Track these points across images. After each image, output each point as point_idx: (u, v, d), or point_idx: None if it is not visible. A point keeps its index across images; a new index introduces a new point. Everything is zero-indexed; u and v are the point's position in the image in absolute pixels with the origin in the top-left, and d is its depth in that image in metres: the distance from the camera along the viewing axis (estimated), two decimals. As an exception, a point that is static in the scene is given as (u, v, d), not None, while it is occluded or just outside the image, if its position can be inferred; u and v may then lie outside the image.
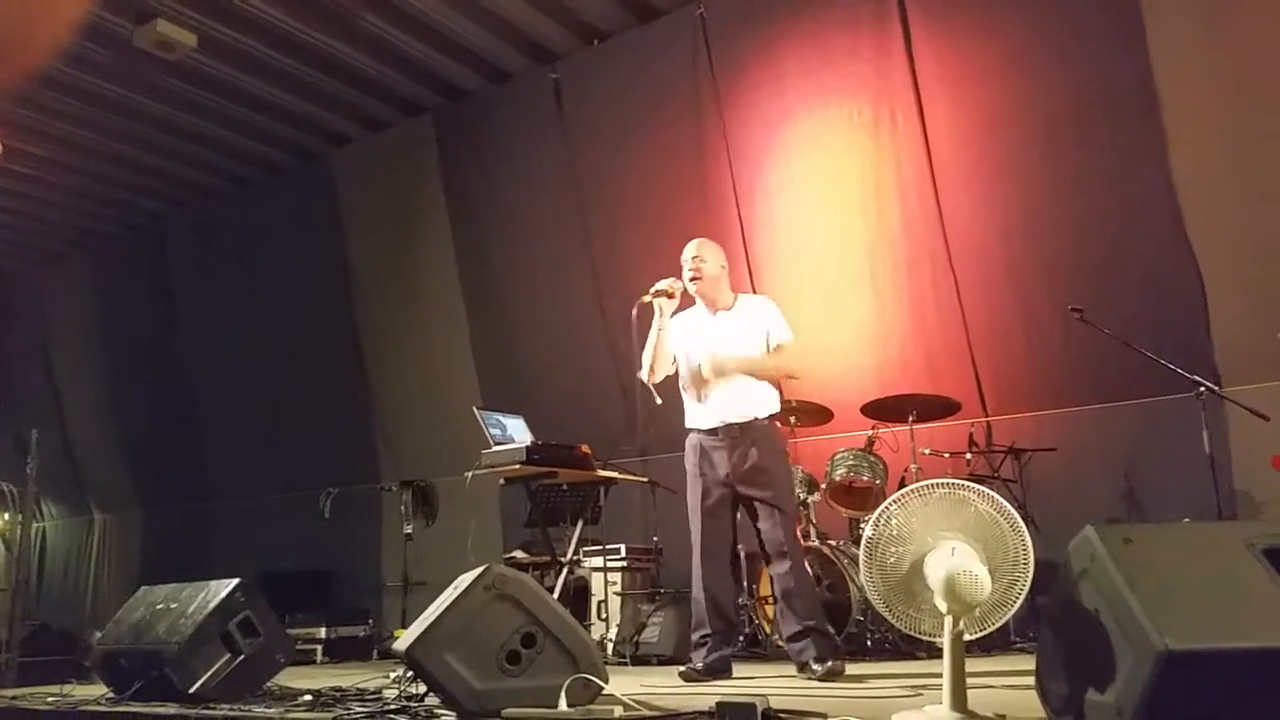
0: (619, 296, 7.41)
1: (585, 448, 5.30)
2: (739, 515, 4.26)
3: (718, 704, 2.42)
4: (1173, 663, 1.71)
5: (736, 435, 4.15)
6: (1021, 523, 2.28)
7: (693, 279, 4.28)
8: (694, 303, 4.40)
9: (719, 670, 4.03)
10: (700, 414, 4.27)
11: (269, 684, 3.72)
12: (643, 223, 7.22)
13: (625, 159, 7.28)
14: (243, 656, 3.57)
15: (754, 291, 6.75)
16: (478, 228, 8.08)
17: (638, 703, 2.72)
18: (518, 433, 5.44)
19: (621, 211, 7.35)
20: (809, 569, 4.37)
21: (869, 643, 4.97)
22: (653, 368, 4.27)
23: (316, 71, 7.64)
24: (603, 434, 6.14)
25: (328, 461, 8.56)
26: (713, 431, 4.21)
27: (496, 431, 5.30)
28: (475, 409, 5.46)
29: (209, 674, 3.48)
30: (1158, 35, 5.54)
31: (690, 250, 4.35)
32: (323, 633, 7.22)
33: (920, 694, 3.03)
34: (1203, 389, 4.84)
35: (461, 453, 5.47)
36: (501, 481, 5.37)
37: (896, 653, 4.85)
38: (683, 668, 4.08)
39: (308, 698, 3.44)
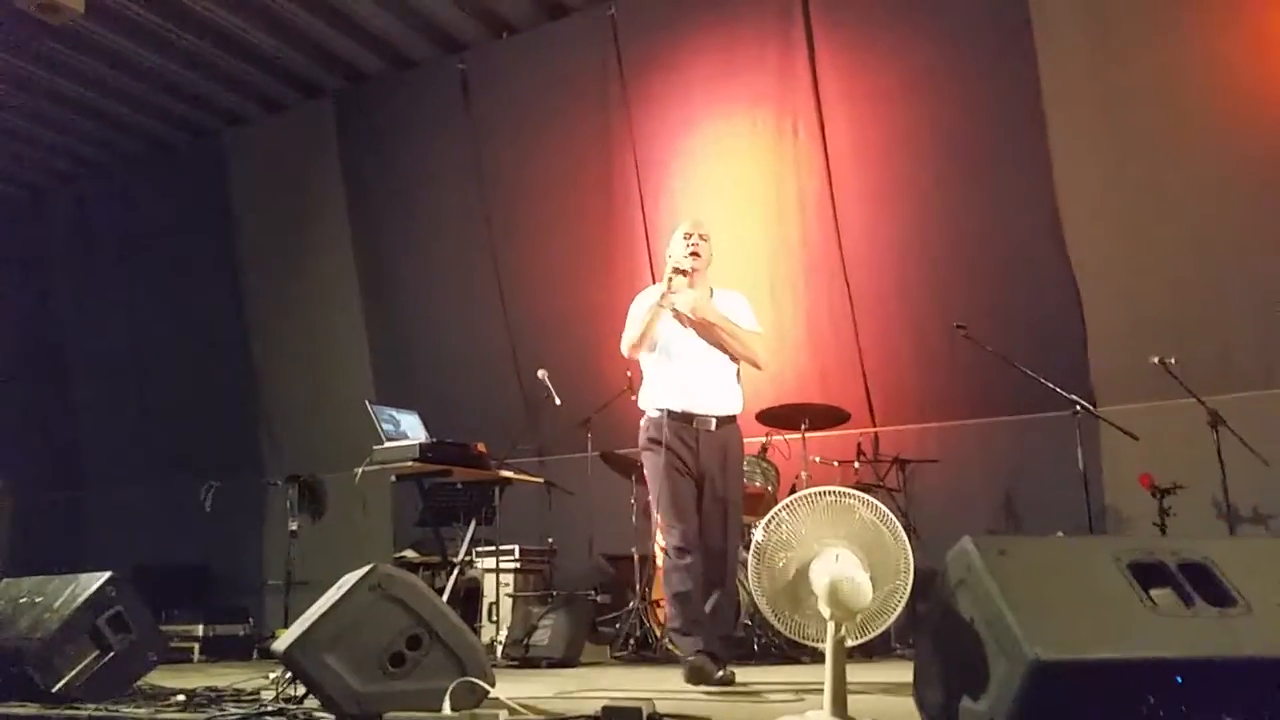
0: (521, 294, 7.38)
1: (482, 446, 5.25)
2: (634, 519, 4.21)
3: (603, 708, 2.42)
4: (1042, 672, 1.77)
5: (710, 429, 3.88)
6: (903, 532, 2.34)
7: (693, 254, 3.95)
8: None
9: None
10: (667, 396, 3.92)
11: (140, 683, 3.57)
12: (547, 220, 7.21)
13: (531, 155, 7.25)
14: (112, 654, 3.42)
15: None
16: (377, 217, 7.92)
17: (524, 707, 2.70)
18: (412, 429, 5.34)
19: (526, 208, 7.31)
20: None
21: (756, 647, 5.04)
22: (640, 344, 3.93)
23: (213, 47, 7.38)
24: (501, 433, 6.10)
25: (210, 453, 8.29)
26: (685, 418, 3.88)
27: (390, 427, 5.20)
28: (368, 403, 5.35)
29: (74, 672, 3.32)
30: (1049, 67, 5.81)
31: (696, 227, 4.06)
32: (200, 630, 6.96)
33: (803, 699, 3.09)
34: (1078, 408, 5.07)
35: (353, 448, 5.35)
36: (393, 479, 5.28)
37: (783, 657, 4.93)
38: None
39: (180, 698, 3.31)
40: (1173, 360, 5.00)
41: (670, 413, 3.89)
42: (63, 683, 3.28)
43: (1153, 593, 1.94)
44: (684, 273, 3.84)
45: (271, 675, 3.71)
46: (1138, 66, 5.70)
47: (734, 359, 4.00)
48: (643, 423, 4.00)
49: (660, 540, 4.41)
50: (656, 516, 4.23)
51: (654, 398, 3.97)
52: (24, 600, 3.62)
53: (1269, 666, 1.87)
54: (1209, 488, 5.03)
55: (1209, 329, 5.50)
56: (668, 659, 5.10)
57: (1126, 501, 5.58)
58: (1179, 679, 1.82)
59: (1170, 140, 5.63)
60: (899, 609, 2.29)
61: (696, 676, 3.60)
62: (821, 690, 2.34)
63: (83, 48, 7.29)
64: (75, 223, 9.53)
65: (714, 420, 3.89)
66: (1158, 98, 5.66)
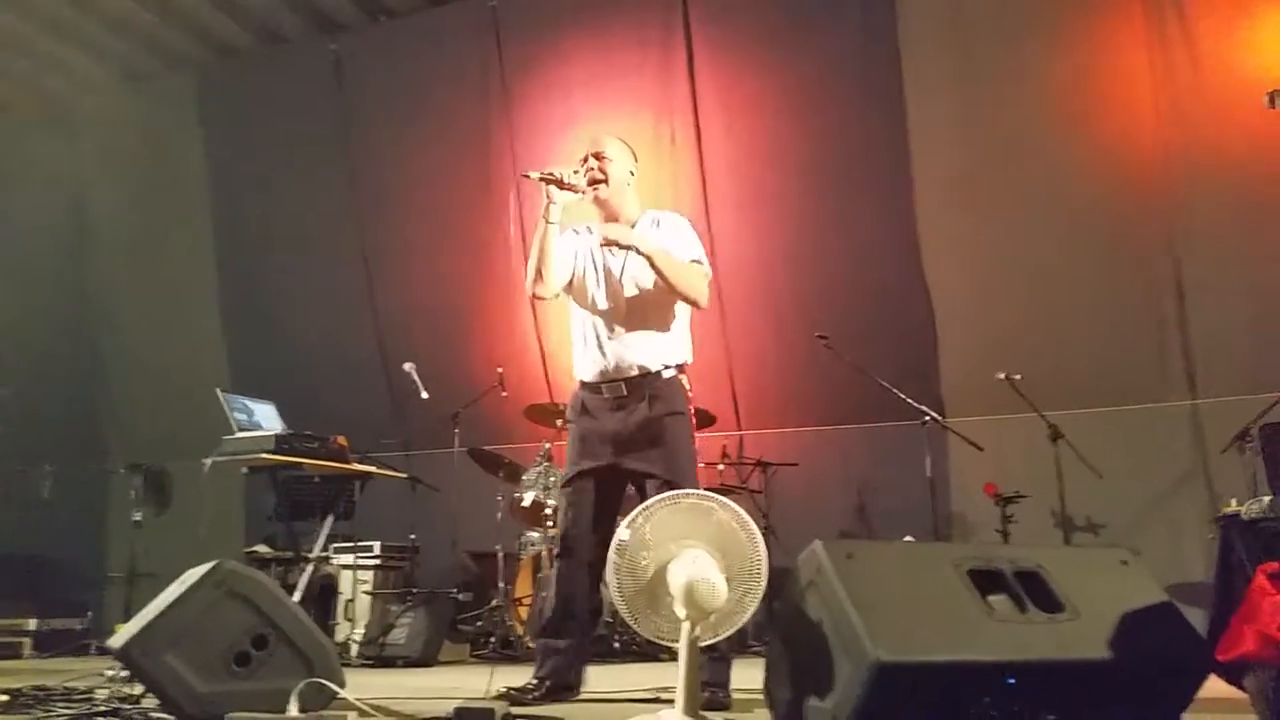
0: (389, 285, 7.23)
1: (342, 439, 5.11)
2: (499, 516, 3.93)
3: (456, 709, 2.40)
4: (884, 672, 1.84)
5: (624, 393, 3.18)
6: (759, 534, 2.39)
7: (593, 182, 3.27)
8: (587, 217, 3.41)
9: (564, 688, 3.18)
10: (587, 364, 3.28)
11: (-43, 682, 3.34)
12: (419, 211, 7.09)
13: (405, 144, 7.11)
14: (-75, 651, 3.20)
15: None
16: (239, 197, 7.62)
17: (374, 708, 2.64)
18: (266, 419, 5.15)
19: (397, 197, 7.17)
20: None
21: (616, 644, 5.08)
22: (539, 273, 3.21)
23: (71, 9, 6.95)
24: (366, 427, 5.96)
25: (46, 436, 7.78)
26: (595, 388, 3.24)
27: (242, 417, 5.00)
28: (219, 391, 5.13)
29: (-120, 671, 3.09)
30: (914, 93, 6.08)
31: (593, 145, 3.36)
32: (32, 624, 6.56)
33: (657, 697, 3.13)
34: (928, 418, 5.31)
35: (204, 437, 5.13)
36: (245, 470, 5.09)
37: (642, 655, 4.98)
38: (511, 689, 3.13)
39: (4, 697, 3.12)
40: (1018, 376, 5.30)
41: (584, 384, 3.30)
42: None
43: (990, 598, 2.05)
44: (559, 183, 3.14)
45: (108, 673, 3.53)
46: (1000, 93, 6.01)
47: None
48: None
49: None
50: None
51: (576, 367, 3.34)
52: None
53: (1092, 667, 2.00)
54: (1048, 497, 5.33)
55: (1051, 348, 5.83)
56: (531, 657, 5.08)
57: (971, 508, 5.86)
58: (1011, 680, 1.93)
59: (1023, 172, 5.96)
60: (751, 610, 2.34)
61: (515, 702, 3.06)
62: (673, 687, 2.37)
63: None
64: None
65: (629, 383, 3.22)
66: (1012, 133, 5.97)
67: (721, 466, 5.83)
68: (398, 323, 7.16)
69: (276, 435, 4.75)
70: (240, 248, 7.67)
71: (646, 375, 3.21)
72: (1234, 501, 3.53)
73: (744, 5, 6.45)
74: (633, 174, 3.43)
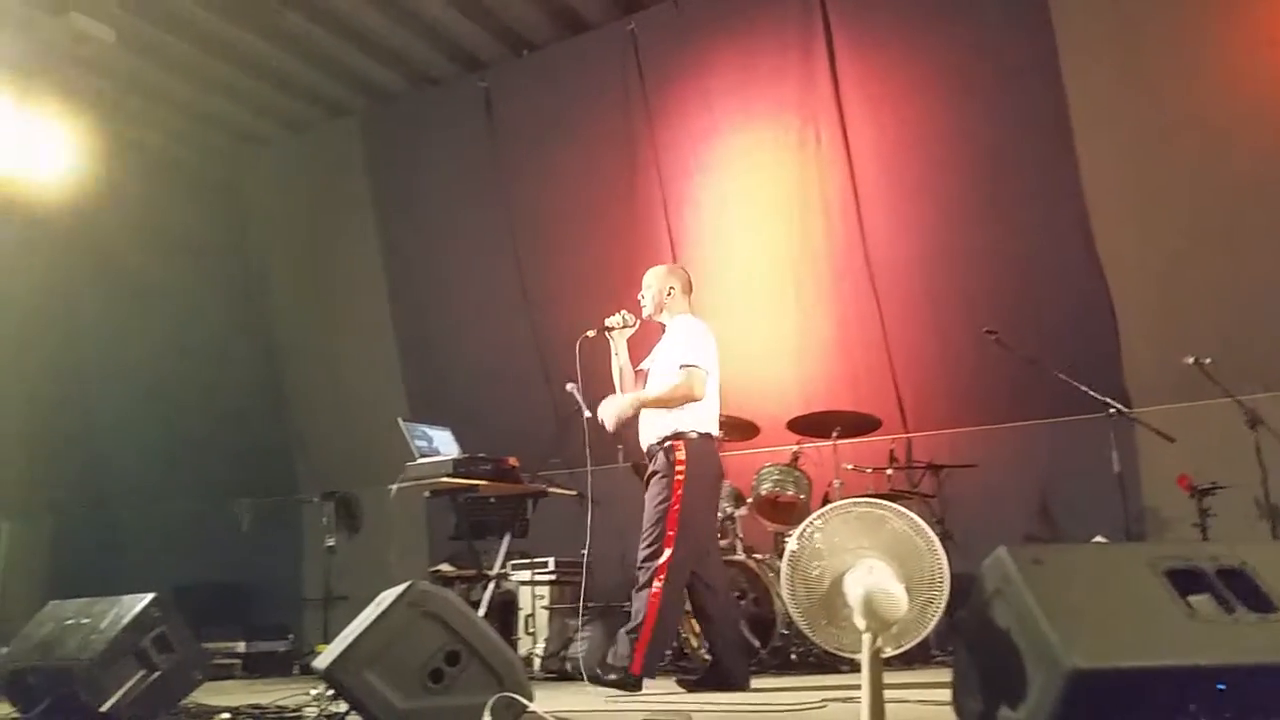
0: (547, 308, 7.42)
1: (513, 460, 5.29)
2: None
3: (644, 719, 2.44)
4: (1080, 680, 1.77)
5: (648, 464, 4.33)
6: (938, 542, 2.34)
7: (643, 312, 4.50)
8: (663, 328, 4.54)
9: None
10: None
11: (185, 701, 3.62)
12: (572, 234, 7.25)
13: (555, 169, 7.29)
14: (157, 673, 3.47)
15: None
16: (405, 235, 7.99)
17: (563, 720, 2.72)
18: (444, 445, 5.40)
19: (550, 222, 7.35)
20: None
21: (793, 656, 5.04)
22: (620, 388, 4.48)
23: (236, 69, 7.47)
24: (532, 446, 6.12)
25: (244, 471, 8.35)
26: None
27: (422, 444, 5.26)
28: (400, 420, 5.41)
29: (122, 692, 3.38)
30: (1071, 64, 5.76)
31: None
32: (242, 647, 7.05)
33: (824, 705, 3.10)
34: (1113, 410, 5.02)
35: (388, 464, 5.42)
36: (427, 494, 5.32)
37: (820, 666, 4.92)
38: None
39: (225, 716, 3.37)
40: (1208, 360, 4.94)
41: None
42: (111, 702, 3.34)
43: (1191, 599, 1.93)
44: (611, 329, 4.44)
45: (313, 692, 3.76)
46: (1165, 56, 5.66)
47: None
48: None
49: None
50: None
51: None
52: (71, 622, 3.69)
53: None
54: (1249, 488, 4.96)
55: (1243, 327, 5.44)
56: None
57: (1165, 503, 5.52)
58: (1221, 686, 1.81)
59: (1202, 132, 5.56)
60: (935, 620, 2.29)
61: None
62: (859, 698, 2.34)
63: (105, 74, 7.36)
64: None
65: (647, 454, 4.36)
66: (1188, 87, 5.60)
67: (890, 471, 5.69)
68: (557, 343, 7.33)
69: (454, 459, 4.96)
70: (409, 282, 8.03)
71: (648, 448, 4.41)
72: None
73: (883, -1, 6.32)
74: (666, 290, 4.47)
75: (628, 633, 4.03)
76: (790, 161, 6.54)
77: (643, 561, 4.08)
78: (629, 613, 4.14)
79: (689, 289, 4.55)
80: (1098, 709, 1.81)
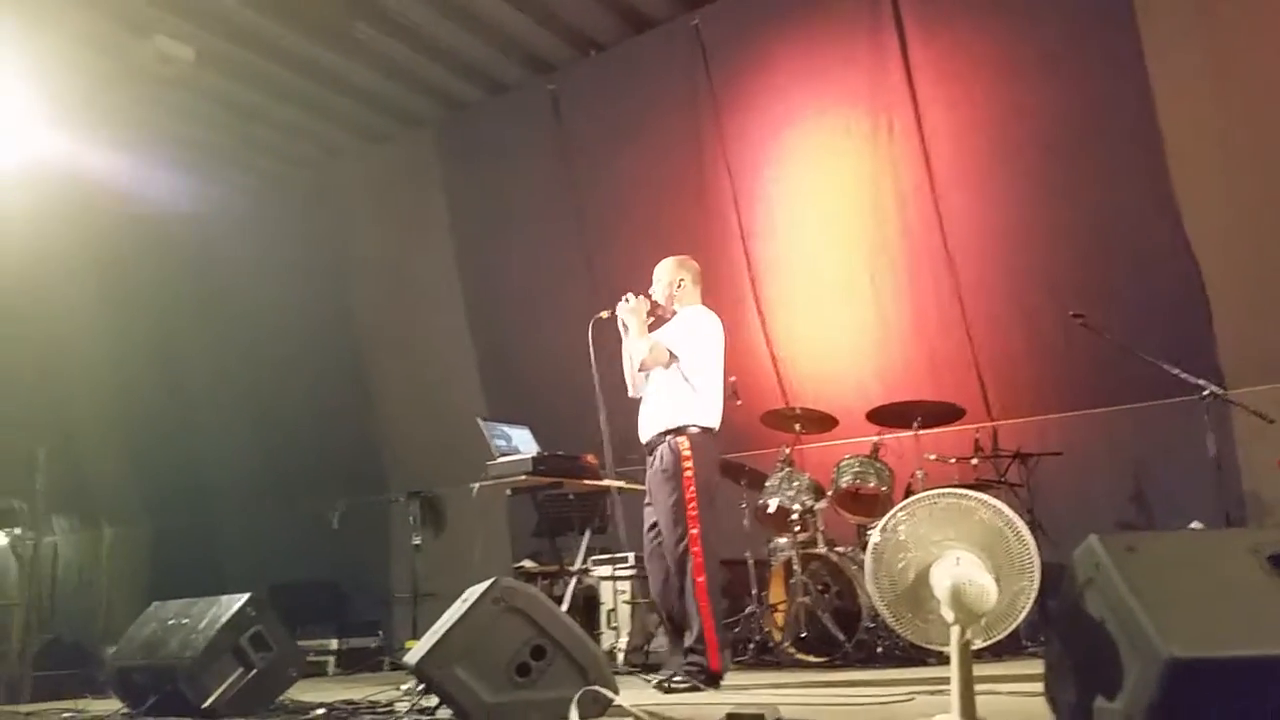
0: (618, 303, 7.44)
1: (591, 457, 5.32)
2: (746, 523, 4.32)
3: (728, 715, 2.44)
4: (1178, 670, 1.72)
5: (650, 454, 4.38)
6: (1027, 532, 2.29)
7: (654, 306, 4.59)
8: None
9: None
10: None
11: (281, 698, 3.74)
12: (642, 230, 7.24)
13: (624, 167, 7.30)
14: (255, 671, 3.60)
15: (755, 299, 6.79)
16: (480, 239, 8.10)
17: (649, 714, 2.73)
18: (523, 443, 5.45)
19: (621, 221, 7.37)
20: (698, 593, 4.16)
21: (879, 649, 4.98)
22: (631, 383, 4.65)
23: (315, 83, 7.66)
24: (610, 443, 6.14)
25: (332, 472, 8.56)
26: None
27: (501, 443, 5.32)
28: (479, 420, 5.48)
29: (222, 689, 3.51)
30: (1153, 39, 5.57)
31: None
32: (334, 644, 7.25)
33: (912, 698, 3.07)
34: (1207, 392, 4.84)
35: (469, 462, 5.49)
36: (508, 492, 5.39)
37: (906, 659, 4.85)
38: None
39: (320, 712, 3.46)
40: (1307, 337, 4.75)
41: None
42: (211, 699, 3.47)
43: (1296, 586, 1.86)
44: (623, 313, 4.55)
45: (404, 687, 3.85)
46: (1250, 29, 5.43)
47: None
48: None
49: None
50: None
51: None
52: (172, 622, 3.84)
53: None
54: (1356, 469, 4.76)
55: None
56: (793, 663, 5.09)
57: (1265, 487, 5.31)
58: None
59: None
60: (1025, 611, 2.24)
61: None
62: (948, 690, 2.31)
63: (188, 88, 7.58)
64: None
65: (647, 447, 4.44)
66: (1275, 60, 5.38)
67: (975, 461, 5.57)
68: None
69: (534, 457, 5.01)
70: (485, 283, 8.13)
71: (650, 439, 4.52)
72: None
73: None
74: (674, 283, 4.59)
75: (690, 648, 4.06)
76: (863, 151, 6.44)
77: (677, 565, 4.15)
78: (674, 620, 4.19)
79: (699, 280, 4.62)
80: (1198, 700, 1.76)
